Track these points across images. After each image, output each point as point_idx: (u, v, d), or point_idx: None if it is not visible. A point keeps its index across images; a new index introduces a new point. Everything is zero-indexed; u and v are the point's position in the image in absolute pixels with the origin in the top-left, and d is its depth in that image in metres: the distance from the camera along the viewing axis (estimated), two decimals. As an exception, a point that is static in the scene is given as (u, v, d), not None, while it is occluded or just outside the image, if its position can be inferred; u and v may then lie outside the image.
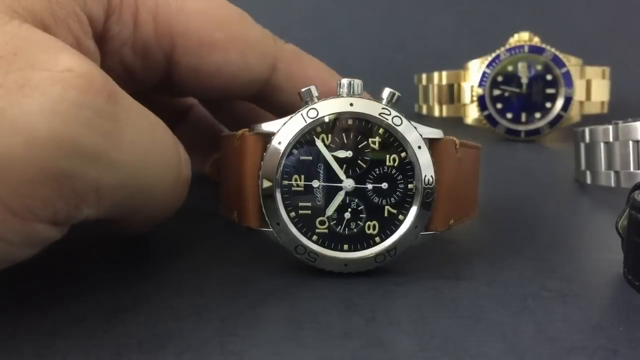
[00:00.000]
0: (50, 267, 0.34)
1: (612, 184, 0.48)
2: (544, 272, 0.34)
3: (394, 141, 0.32)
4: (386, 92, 0.32)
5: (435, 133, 0.32)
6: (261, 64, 0.37)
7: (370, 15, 0.95)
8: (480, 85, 0.72)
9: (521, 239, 0.40)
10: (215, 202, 0.38)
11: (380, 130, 0.32)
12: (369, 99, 0.32)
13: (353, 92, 0.32)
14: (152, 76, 0.37)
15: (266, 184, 0.31)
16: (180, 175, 0.31)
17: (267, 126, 0.32)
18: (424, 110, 0.80)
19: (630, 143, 0.46)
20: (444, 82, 0.75)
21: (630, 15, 0.93)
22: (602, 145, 0.49)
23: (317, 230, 0.32)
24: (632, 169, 0.46)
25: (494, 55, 0.71)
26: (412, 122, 0.32)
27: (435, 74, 0.76)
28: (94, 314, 0.29)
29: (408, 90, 0.81)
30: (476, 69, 0.72)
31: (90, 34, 0.32)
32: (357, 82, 0.32)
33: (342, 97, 0.32)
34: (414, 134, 0.32)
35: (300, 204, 0.32)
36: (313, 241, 0.32)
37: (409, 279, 0.33)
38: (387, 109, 0.32)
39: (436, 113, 0.77)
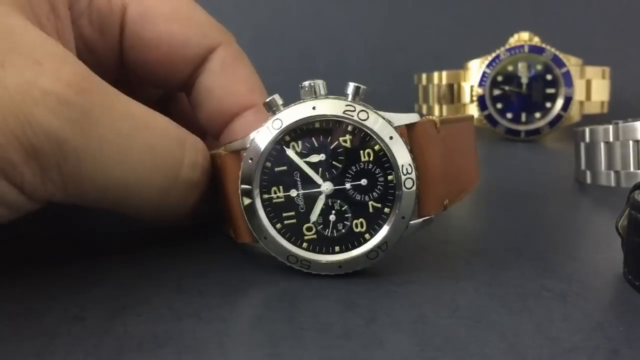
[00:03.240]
0: (50, 267, 0.34)
1: (612, 184, 0.48)
2: (544, 272, 0.34)
3: (364, 136, 0.31)
4: (350, 87, 0.31)
5: (409, 118, 0.32)
6: (200, 42, 0.38)
7: (370, 15, 0.95)
8: (480, 85, 0.72)
9: (521, 238, 0.40)
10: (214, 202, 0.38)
11: (349, 128, 0.31)
12: (335, 97, 0.31)
13: (315, 94, 0.31)
14: (111, 52, 0.38)
15: (246, 201, 0.31)
16: (176, 181, 0.32)
17: (238, 144, 0.32)
18: (424, 110, 0.80)
19: (631, 143, 0.46)
20: (444, 82, 0.75)
21: (630, 15, 0.93)
22: (602, 145, 0.49)
23: (305, 237, 0.32)
24: (632, 169, 0.46)
25: (494, 55, 0.72)
26: (380, 113, 0.31)
27: (435, 74, 0.76)
28: (94, 314, 0.29)
29: (408, 90, 0.81)
30: (476, 68, 0.72)
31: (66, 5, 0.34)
32: (319, 83, 0.32)
33: (306, 101, 0.31)
34: (383, 125, 0.31)
35: (284, 214, 0.32)
36: (303, 249, 0.32)
37: (409, 279, 0.33)
38: (351, 105, 0.31)
39: (436, 113, 0.77)
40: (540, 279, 0.33)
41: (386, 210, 0.32)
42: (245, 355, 0.26)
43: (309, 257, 0.32)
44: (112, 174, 0.29)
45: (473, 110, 0.73)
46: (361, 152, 0.31)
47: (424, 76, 0.79)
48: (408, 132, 0.32)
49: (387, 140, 0.31)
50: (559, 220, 0.45)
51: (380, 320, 0.28)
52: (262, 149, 0.31)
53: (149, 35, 0.37)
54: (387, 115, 0.31)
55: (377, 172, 0.31)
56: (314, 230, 0.32)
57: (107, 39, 0.37)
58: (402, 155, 0.31)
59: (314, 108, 0.31)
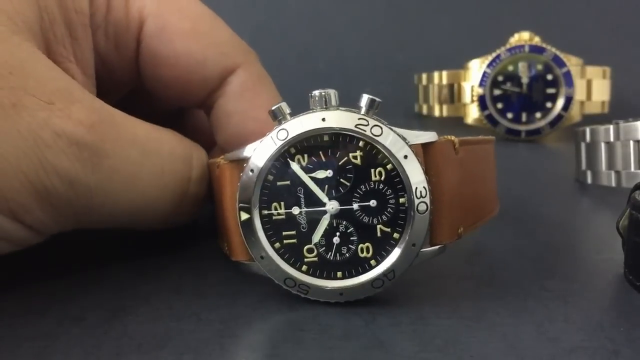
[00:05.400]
0: (50, 268, 0.34)
1: (613, 184, 0.48)
2: (544, 272, 0.34)
3: (377, 153, 0.29)
4: (364, 99, 0.29)
5: (426, 137, 0.29)
6: (219, 62, 0.36)
7: (370, 15, 0.94)
8: (480, 85, 0.72)
9: (521, 238, 0.40)
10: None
11: (360, 143, 0.29)
12: (346, 109, 0.29)
13: (326, 104, 0.29)
14: (127, 65, 0.37)
15: (244, 216, 0.29)
16: (185, 197, 0.33)
17: (240, 153, 0.30)
18: (424, 110, 0.79)
19: (631, 143, 0.46)
20: (444, 82, 0.75)
21: (631, 15, 0.93)
22: (602, 145, 0.49)
23: (305, 260, 0.29)
24: (632, 169, 0.46)
25: (494, 55, 0.71)
26: (395, 129, 0.29)
27: (436, 74, 0.76)
28: (94, 314, 0.29)
29: (408, 90, 0.81)
30: (477, 68, 0.72)
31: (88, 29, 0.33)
32: (331, 93, 0.29)
33: (315, 111, 0.29)
34: (398, 143, 0.29)
35: (284, 233, 0.29)
36: (303, 272, 0.29)
37: (408, 280, 0.33)
38: (364, 119, 0.29)
39: (436, 113, 0.77)
40: (540, 279, 0.33)
41: (395, 235, 0.29)
42: (245, 356, 0.26)
43: (308, 282, 0.29)
44: (123, 200, 0.30)
45: (473, 110, 0.73)
46: (372, 170, 0.29)
47: (424, 76, 0.79)
48: (424, 152, 0.29)
49: (401, 159, 0.29)
50: (559, 220, 0.45)
51: (380, 321, 0.28)
52: (264, 161, 0.29)
53: (165, 53, 0.35)
54: (402, 132, 0.29)
55: (388, 193, 0.29)
56: (316, 252, 0.29)
57: (122, 52, 0.36)
58: (416, 177, 0.29)
59: (323, 119, 0.29)
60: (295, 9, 0.93)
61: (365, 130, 0.29)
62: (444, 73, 0.75)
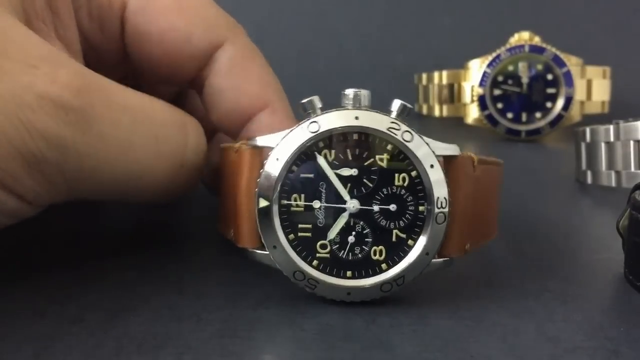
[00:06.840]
0: (49, 267, 0.34)
1: (613, 184, 0.48)
2: (544, 272, 0.34)
3: (403, 158, 0.29)
4: (396, 104, 0.29)
5: (450, 149, 0.30)
6: (204, 37, 0.36)
7: (370, 16, 0.94)
8: (480, 84, 0.72)
9: (521, 238, 0.40)
10: (214, 203, 0.37)
11: (389, 147, 0.29)
12: (376, 111, 0.29)
13: (359, 104, 0.30)
14: (113, 47, 0.36)
15: (263, 203, 0.29)
16: (182, 166, 0.32)
17: (265, 140, 0.30)
18: (424, 110, 0.80)
19: (632, 143, 0.46)
20: (444, 81, 0.75)
21: (631, 15, 0.93)
22: (603, 145, 0.49)
23: (317, 255, 0.29)
24: (633, 169, 0.46)
25: (494, 54, 0.71)
26: (424, 138, 0.29)
27: (436, 74, 0.76)
28: (94, 314, 0.29)
29: (408, 90, 0.81)
30: (477, 68, 0.72)
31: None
32: (364, 93, 0.30)
33: (348, 109, 0.29)
34: (426, 151, 0.29)
35: (300, 225, 0.29)
36: (313, 266, 0.29)
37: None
38: (396, 123, 0.29)
39: (436, 113, 0.77)
40: (540, 279, 0.33)
41: (410, 242, 0.29)
42: (245, 357, 0.26)
43: (317, 277, 0.29)
44: (116, 168, 0.29)
45: (473, 110, 0.73)
46: (396, 175, 0.29)
47: (424, 76, 0.79)
48: (445, 165, 0.29)
49: (427, 168, 0.29)
50: (559, 221, 0.45)
51: (381, 322, 0.28)
52: (291, 151, 0.29)
53: (150, 30, 0.35)
54: (428, 141, 0.29)
55: (409, 199, 0.29)
56: (329, 248, 0.29)
57: (107, 33, 0.36)
58: (439, 188, 0.29)
59: (356, 118, 0.29)
60: (295, 9, 0.93)
61: (396, 135, 0.29)
62: (444, 73, 0.75)
